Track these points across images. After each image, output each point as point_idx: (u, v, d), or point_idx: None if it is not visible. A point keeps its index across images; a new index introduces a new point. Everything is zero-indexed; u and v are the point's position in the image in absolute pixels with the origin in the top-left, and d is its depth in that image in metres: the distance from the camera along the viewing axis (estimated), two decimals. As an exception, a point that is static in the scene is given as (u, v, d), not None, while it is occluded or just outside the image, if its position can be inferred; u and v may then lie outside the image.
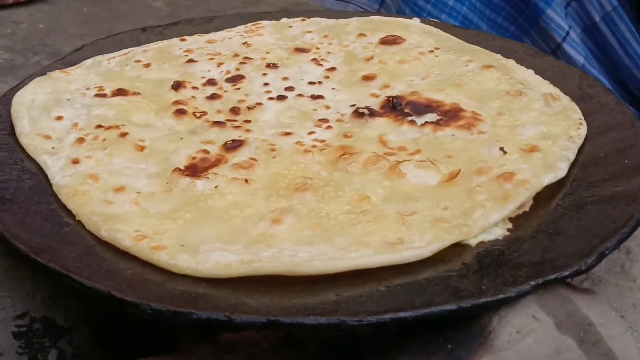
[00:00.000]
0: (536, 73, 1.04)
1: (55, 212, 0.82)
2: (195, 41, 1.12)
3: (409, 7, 1.44)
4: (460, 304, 0.69)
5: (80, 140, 0.90)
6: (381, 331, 0.78)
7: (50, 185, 0.85)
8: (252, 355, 0.86)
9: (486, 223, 0.79)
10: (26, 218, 0.80)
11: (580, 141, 0.91)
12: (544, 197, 0.85)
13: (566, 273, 0.72)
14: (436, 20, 1.19)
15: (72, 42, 1.13)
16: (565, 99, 0.97)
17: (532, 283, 0.71)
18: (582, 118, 0.94)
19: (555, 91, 0.99)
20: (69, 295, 0.85)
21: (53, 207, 0.82)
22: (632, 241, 0.96)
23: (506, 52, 1.09)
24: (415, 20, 1.18)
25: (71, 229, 0.79)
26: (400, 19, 1.17)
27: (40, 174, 0.87)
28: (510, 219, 0.81)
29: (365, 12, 1.20)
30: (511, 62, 1.05)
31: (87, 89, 1.00)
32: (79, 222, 0.80)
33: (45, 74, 1.03)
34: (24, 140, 0.90)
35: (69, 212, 0.82)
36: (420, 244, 0.76)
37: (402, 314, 0.68)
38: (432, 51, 1.08)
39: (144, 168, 0.87)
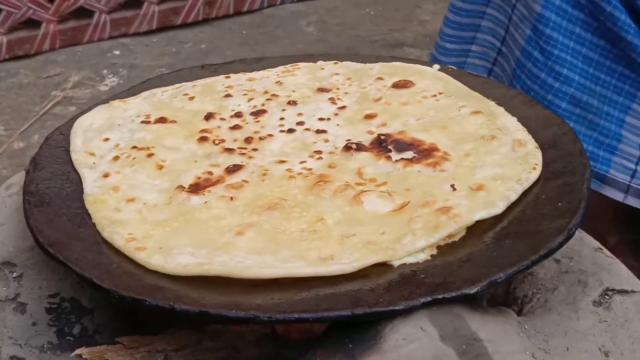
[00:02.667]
0: (522, 120, 1.16)
1: (79, 215, 1.03)
2: (238, 79, 1.32)
3: (519, 84, 1.57)
4: (354, 311, 0.85)
5: (116, 158, 1.12)
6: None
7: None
8: (235, 345, 1.05)
9: (412, 248, 0.94)
10: (55, 218, 1.02)
11: (528, 184, 1.03)
12: (480, 230, 0.98)
13: (454, 294, 0.87)
14: (453, 67, 1.33)
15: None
16: (532, 145, 1.09)
17: (422, 300, 0.86)
18: (538, 163, 1.06)
19: (526, 137, 1.11)
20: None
21: (80, 211, 1.04)
22: (591, 276, 1.07)
23: (504, 99, 1.21)
24: (435, 67, 1.32)
25: (86, 230, 1.01)
26: (419, 66, 1.32)
27: (79, 184, 1.09)
28: (439, 247, 0.96)
29: (390, 59, 1.35)
30: (500, 110, 1.18)
31: (138, 116, 1.22)
32: (94, 224, 1.01)
33: (108, 102, 1.26)
34: (73, 156, 1.13)
35: (90, 216, 1.03)
36: (347, 261, 0.92)
37: (304, 315, 0.85)
38: (435, 95, 1.23)
39: (158, 184, 1.07)
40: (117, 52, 3.16)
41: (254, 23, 3.40)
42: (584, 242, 1.12)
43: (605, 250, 1.12)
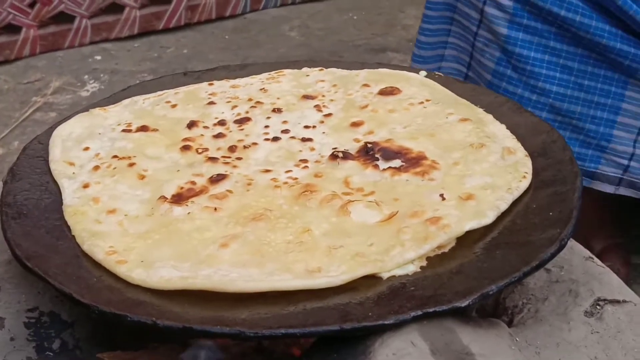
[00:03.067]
0: (510, 128, 1.14)
1: (58, 227, 1.01)
2: (221, 85, 1.29)
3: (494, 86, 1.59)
4: (343, 325, 0.83)
5: (96, 167, 1.09)
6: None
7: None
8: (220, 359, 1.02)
9: (401, 260, 0.92)
10: (32, 230, 0.99)
11: (518, 193, 1.01)
12: (470, 240, 0.96)
13: (445, 307, 0.84)
14: (440, 74, 1.31)
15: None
16: (521, 153, 1.07)
17: (412, 314, 0.84)
18: (528, 172, 1.04)
19: (516, 145, 1.09)
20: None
21: (58, 223, 1.01)
22: (582, 286, 1.06)
23: (492, 106, 1.20)
24: (422, 73, 1.30)
25: (65, 242, 0.98)
26: (405, 72, 1.30)
27: (58, 194, 1.06)
28: (429, 258, 0.94)
29: (376, 65, 1.33)
30: (489, 117, 1.16)
31: (119, 124, 1.19)
32: (74, 236, 0.99)
33: (88, 110, 1.23)
34: (52, 166, 1.10)
35: (69, 228, 1.00)
36: (335, 274, 0.90)
37: (291, 330, 0.83)
38: (422, 102, 1.21)
39: (139, 194, 1.04)
40: (98, 57, 3.13)
41: (237, 28, 3.38)
42: (574, 251, 1.10)
43: (595, 259, 1.11)
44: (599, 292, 1.03)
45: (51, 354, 1.01)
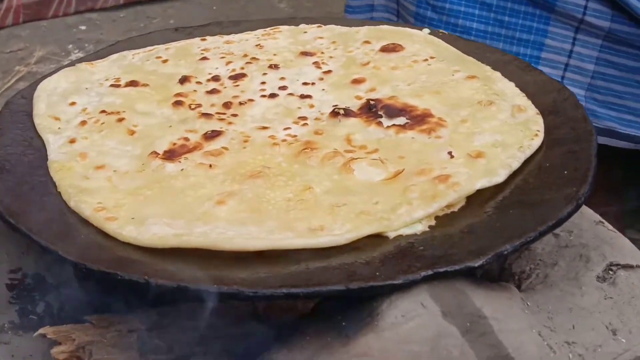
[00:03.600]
0: (519, 86, 1.09)
1: (43, 183, 0.95)
2: (215, 41, 1.23)
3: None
4: (349, 285, 0.77)
5: (83, 122, 1.03)
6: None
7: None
8: (213, 324, 0.96)
9: (408, 219, 0.86)
10: (16, 187, 0.93)
11: (530, 151, 0.96)
12: (480, 199, 0.91)
13: (457, 267, 0.79)
14: (444, 31, 1.25)
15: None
16: (532, 111, 1.02)
17: (422, 273, 0.79)
18: (540, 130, 0.99)
19: (526, 103, 1.04)
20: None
21: (44, 179, 0.95)
22: (593, 251, 1.01)
23: (499, 64, 1.14)
24: (425, 31, 1.25)
25: (50, 199, 0.92)
26: (407, 29, 1.25)
27: (43, 150, 1.00)
28: (437, 217, 0.88)
29: (379, 22, 1.28)
30: (496, 74, 1.11)
31: (107, 79, 1.13)
32: (60, 193, 0.92)
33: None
34: (36, 120, 1.04)
35: (55, 185, 0.94)
36: (339, 232, 0.84)
37: (293, 290, 0.77)
38: (426, 60, 1.15)
39: (129, 150, 0.99)
40: (83, 27, 3.05)
41: (225, -2, 3.32)
42: (583, 215, 1.05)
43: (606, 223, 1.06)
44: (611, 256, 0.98)
45: (35, 317, 0.96)
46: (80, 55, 2.82)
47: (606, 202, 1.84)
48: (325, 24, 1.28)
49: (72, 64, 1.18)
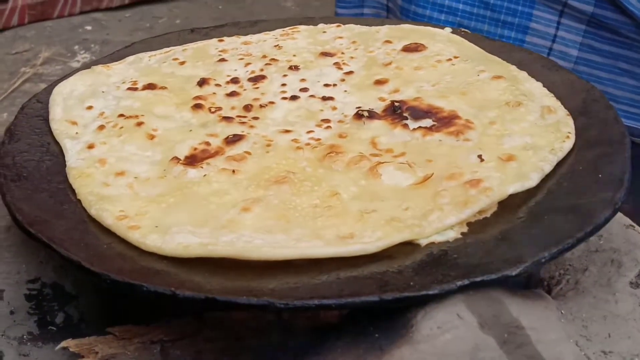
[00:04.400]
0: (547, 86, 1.06)
1: (62, 190, 0.92)
2: (232, 42, 1.21)
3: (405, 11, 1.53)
4: (383, 296, 0.74)
5: (101, 127, 1.01)
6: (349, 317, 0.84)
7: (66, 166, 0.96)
8: (237, 334, 0.94)
9: (440, 225, 0.83)
10: (34, 194, 0.91)
11: (562, 154, 0.93)
12: (512, 204, 0.88)
13: (494, 277, 0.76)
14: (467, 30, 1.23)
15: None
16: (562, 112, 0.99)
17: (459, 283, 0.76)
18: (572, 132, 0.96)
19: (555, 104, 1.01)
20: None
21: (62, 186, 0.93)
22: (625, 255, 0.98)
23: (524, 64, 1.12)
24: (447, 30, 1.22)
25: (70, 207, 0.89)
26: (429, 28, 1.22)
27: (60, 156, 0.98)
28: (469, 224, 0.85)
29: (399, 21, 1.25)
30: (523, 74, 1.08)
31: (123, 82, 1.11)
32: (79, 200, 0.90)
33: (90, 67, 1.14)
34: (53, 125, 1.02)
35: (74, 192, 0.92)
36: (369, 240, 0.81)
37: (325, 301, 0.74)
38: (450, 59, 1.12)
39: (149, 155, 0.96)
40: (88, 28, 3.03)
41: (231, -2, 3.30)
42: (613, 219, 1.02)
43: (637, 227, 1.03)
44: (644, 261, 0.96)
45: (54, 328, 0.93)
46: (87, 55, 2.80)
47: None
48: (344, 24, 1.25)
49: (83, 66, 1.15)
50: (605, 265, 0.97)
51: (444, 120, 0.99)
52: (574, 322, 0.87)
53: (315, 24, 1.26)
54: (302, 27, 1.24)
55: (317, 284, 0.77)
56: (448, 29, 1.22)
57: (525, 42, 1.48)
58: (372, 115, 1.01)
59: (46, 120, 1.04)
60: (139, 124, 1.01)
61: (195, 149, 0.96)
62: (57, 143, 1.00)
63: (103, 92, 1.09)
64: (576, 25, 1.42)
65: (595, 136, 0.97)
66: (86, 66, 1.15)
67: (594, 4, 1.38)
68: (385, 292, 0.75)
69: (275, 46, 1.19)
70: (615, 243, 0.99)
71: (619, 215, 1.04)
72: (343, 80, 1.10)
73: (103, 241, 0.84)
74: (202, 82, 1.10)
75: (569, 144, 0.95)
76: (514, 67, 1.10)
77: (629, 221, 1.03)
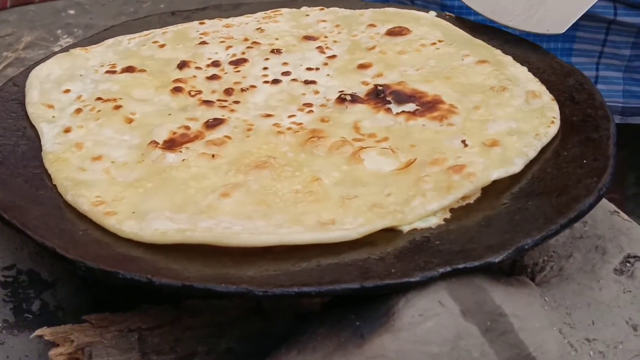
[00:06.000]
0: (533, 71, 1.04)
1: (38, 175, 0.90)
2: (214, 25, 1.19)
3: None
4: (364, 283, 0.73)
5: (78, 110, 0.99)
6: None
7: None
8: (217, 322, 0.92)
9: (423, 211, 0.82)
10: (9, 179, 0.89)
11: (546, 139, 0.92)
12: (496, 190, 0.87)
13: (476, 264, 0.75)
14: (451, 14, 1.21)
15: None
16: (547, 97, 0.98)
17: (440, 270, 0.74)
18: (557, 117, 0.95)
19: (540, 89, 1.00)
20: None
21: (38, 171, 0.91)
22: (610, 242, 0.97)
23: (511, 48, 1.10)
24: (432, 14, 1.20)
25: (46, 192, 0.87)
26: (413, 11, 1.20)
27: (37, 140, 0.96)
28: (452, 210, 0.84)
29: (384, 4, 1.23)
30: (508, 59, 1.07)
31: (102, 66, 1.09)
32: (55, 186, 0.88)
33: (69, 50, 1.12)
34: (29, 109, 1.00)
35: (50, 177, 0.90)
36: (350, 226, 0.80)
37: (305, 289, 0.73)
38: (434, 44, 1.11)
39: (127, 139, 0.94)
40: (71, 12, 3.00)
41: (216, -19, 3.26)
42: (598, 205, 1.01)
43: (622, 213, 1.02)
44: (628, 248, 0.95)
45: (30, 316, 0.91)
46: (70, 40, 2.77)
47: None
48: (327, 7, 1.23)
49: (65, 49, 1.13)
50: (590, 251, 0.96)
51: (427, 105, 0.97)
52: (557, 309, 0.86)
53: (298, 7, 1.24)
54: (284, 10, 1.23)
55: (297, 271, 0.76)
56: (433, 13, 1.21)
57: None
58: (354, 99, 0.99)
59: (22, 104, 1.02)
60: (117, 107, 0.99)
61: (175, 133, 0.94)
62: (33, 127, 0.98)
63: (81, 75, 1.07)
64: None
65: (580, 122, 0.95)
66: (65, 50, 1.13)
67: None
68: (366, 280, 0.73)
69: (258, 29, 1.17)
70: (599, 229, 0.98)
71: (604, 201, 1.02)
72: (326, 64, 1.08)
73: (79, 227, 0.82)
74: (182, 65, 1.08)
75: (553, 129, 0.93)
76: (499, 52, 1.09)
77: (613, 207, 1.02)
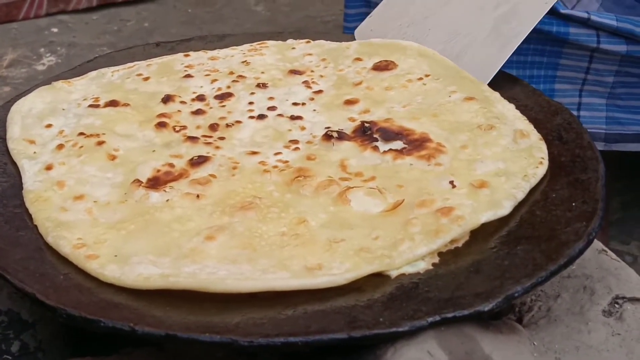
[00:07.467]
0: (520, 108, 1.04)
1: (18, 215, 0.88)
2: (199, 57, 1.17)
3: None
4: (352, 333, 0.72)
5: (60, 146, 0.97)
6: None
7: (23, 189, 0.92)
8: (201, 364, 0.91)
9: (411, 256, 0.81)
10: (-12, 219, 0.87)
11: (535, 181, 0.91)
12: (484, 233, 0.86)
13: (465, 312, 0.74)
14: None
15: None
16: (535, 137, 0.97)
17: (430, 319, 0.73)
18: (545, 157, 0.94)
19: (528, 128, 0.99)
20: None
21: (18, 210, 0.89)
22: (598, 282, 0.96)
23: (497, 82, 1.09)
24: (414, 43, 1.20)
25: (26, 233, 0.86)
26: (399, 42, 1.19)
27: (18, 177, 0.94)
28: (440, 254, 0.83)
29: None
30: (495, 95, 1.06)
31: (85, 99, 1.07)
32: (36, 226, 0.86)
33: (50, 83, 1.10)
34: (10, 145, 0.98)
35: (31, 217, 0.88)
36: (337, 271, 0.79)
37: (292, 339, 0.72)
38: (421, 78, 1.10)
39: (110, 177, 0.92)
40: (55, 30, 2.98)
41: (200, 1, 3.25)
42: (586, 244, 1.00)
43: (609, 252, 1.01)
44: (617, 289, 0.94)
45: (10, 357, 0.89)
46: (53, 59, 2.75)
47: None
48: (314, 39, 1.22)
49: (48, 69, 1.12)
50: (578, 292, 0.95)
51: (415, 143, 0.96)
52: (546, 354, 0.85)
53: (284, 39, 1.23)
54: (270, 43, 1.21)
55: (283, 319, 0.74)
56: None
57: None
58: (341, 136, 0.98)
59: (3, 139, 1.00)
60: (100, 143, 0.97)
61: (159, 170, 0.93)
62: (14, 163, 0.96)
63: (63, 109, 1.05)
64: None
65: (569, 162, 0.95)
66: (51, 71, 1.11)
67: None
68: (354, 329, 0.72)
69: (243, 62, 1.16)
70: (587, 269, 0.97)
71: (592, 240, 1.02)
72: (312, 99, 1.07)
73: (60, 271, 0.81)
74: (167, 99, 1.06)
75: (542, 170, 0.92)
76: (486, 87, 1.08)
77: (601, 246, 1.01)
